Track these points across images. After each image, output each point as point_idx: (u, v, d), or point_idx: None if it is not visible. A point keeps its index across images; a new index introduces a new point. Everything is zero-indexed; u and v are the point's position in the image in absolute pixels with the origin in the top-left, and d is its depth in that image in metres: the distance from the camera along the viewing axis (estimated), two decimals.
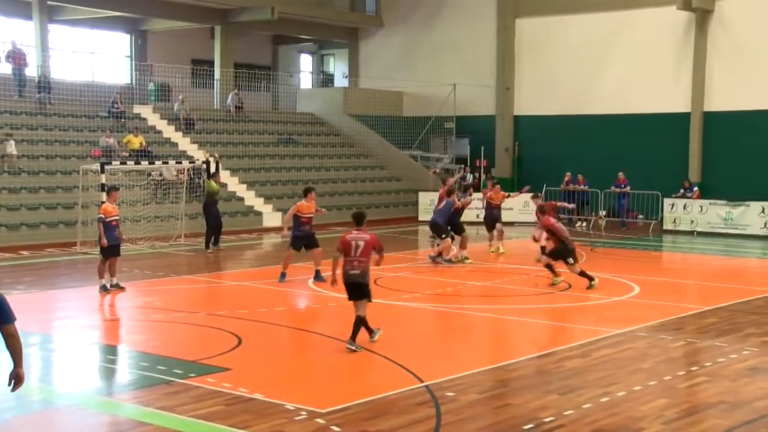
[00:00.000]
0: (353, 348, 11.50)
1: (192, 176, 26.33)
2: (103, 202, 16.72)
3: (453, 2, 36.18)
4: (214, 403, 9.28)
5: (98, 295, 15.79)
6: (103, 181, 21.89)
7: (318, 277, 17.25)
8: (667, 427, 8.73)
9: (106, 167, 22.28)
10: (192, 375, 10.32)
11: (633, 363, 11.25)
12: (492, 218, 22.31)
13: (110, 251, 15.96)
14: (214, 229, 22.76)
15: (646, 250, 24.73)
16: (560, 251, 16.78)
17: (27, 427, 8.83)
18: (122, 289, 16.07)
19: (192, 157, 27.77)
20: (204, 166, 24.36)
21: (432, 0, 36.75)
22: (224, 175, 29.31)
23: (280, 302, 15.59)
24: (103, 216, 15.86)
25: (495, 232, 22.26)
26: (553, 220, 17.06)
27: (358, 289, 11.76)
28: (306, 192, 17.63)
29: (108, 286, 15.98)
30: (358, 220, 12.03)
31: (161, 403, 9.30)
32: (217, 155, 25.15)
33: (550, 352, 11.80)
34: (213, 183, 23.07)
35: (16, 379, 6.76)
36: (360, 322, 11.68)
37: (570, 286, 17.13)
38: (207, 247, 22.55)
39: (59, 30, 33.43)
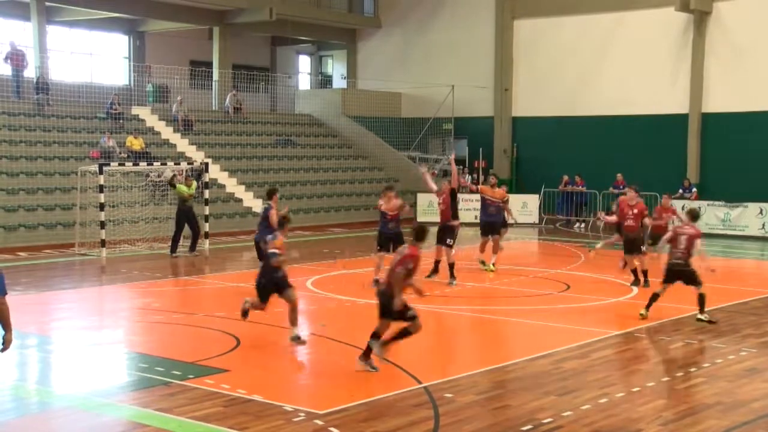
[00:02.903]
0: None
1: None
2: None
3: (451, 3, 36.20)
4: (212, 404, 9.28)
5: (97, 297, 15.74)
6: (101, 182, 21.84)
7: None
8: (665, 428, 8.74)
9: (105, 169, 22.25)
10: (190, 376, 10.32)
11: (631, 364, 11.27)
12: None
13: None
14: (178, 234, 21.89)
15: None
16: None
17: (25, 428, 8.81)
18: None
19: (191, 158, 27.74)
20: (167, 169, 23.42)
21: (430, 1, 36.77)
22: (222, 177, 29.43)
23: (278, 303, 15.54)
24: None
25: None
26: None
27: None
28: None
29: None
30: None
31: (159, 404, 9.30)
32: (193, 163, 24.57)
33: (549, 353, 11.79)
34: (182, 186, 22.05)
35: (6, 342, 7.93)
36: None
37: (568, 287, 17.14)
38: (173, 251, 21.73)
39: (57, 31, 33.38)
